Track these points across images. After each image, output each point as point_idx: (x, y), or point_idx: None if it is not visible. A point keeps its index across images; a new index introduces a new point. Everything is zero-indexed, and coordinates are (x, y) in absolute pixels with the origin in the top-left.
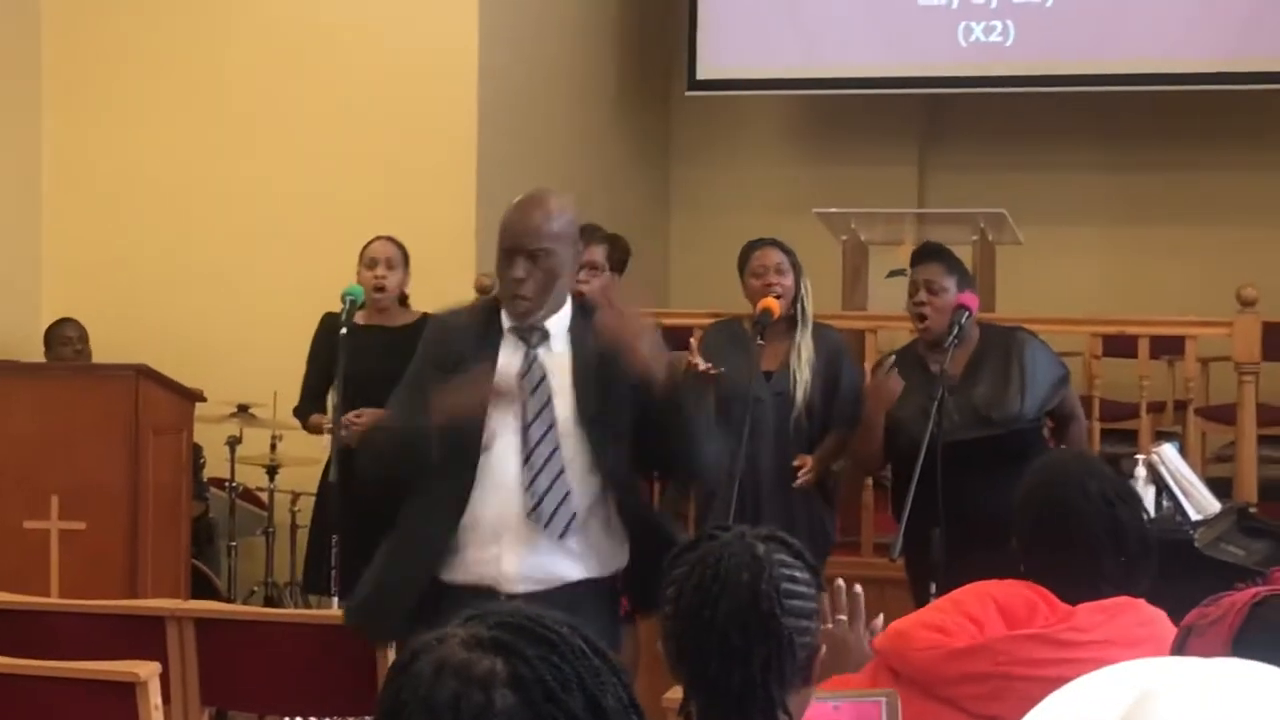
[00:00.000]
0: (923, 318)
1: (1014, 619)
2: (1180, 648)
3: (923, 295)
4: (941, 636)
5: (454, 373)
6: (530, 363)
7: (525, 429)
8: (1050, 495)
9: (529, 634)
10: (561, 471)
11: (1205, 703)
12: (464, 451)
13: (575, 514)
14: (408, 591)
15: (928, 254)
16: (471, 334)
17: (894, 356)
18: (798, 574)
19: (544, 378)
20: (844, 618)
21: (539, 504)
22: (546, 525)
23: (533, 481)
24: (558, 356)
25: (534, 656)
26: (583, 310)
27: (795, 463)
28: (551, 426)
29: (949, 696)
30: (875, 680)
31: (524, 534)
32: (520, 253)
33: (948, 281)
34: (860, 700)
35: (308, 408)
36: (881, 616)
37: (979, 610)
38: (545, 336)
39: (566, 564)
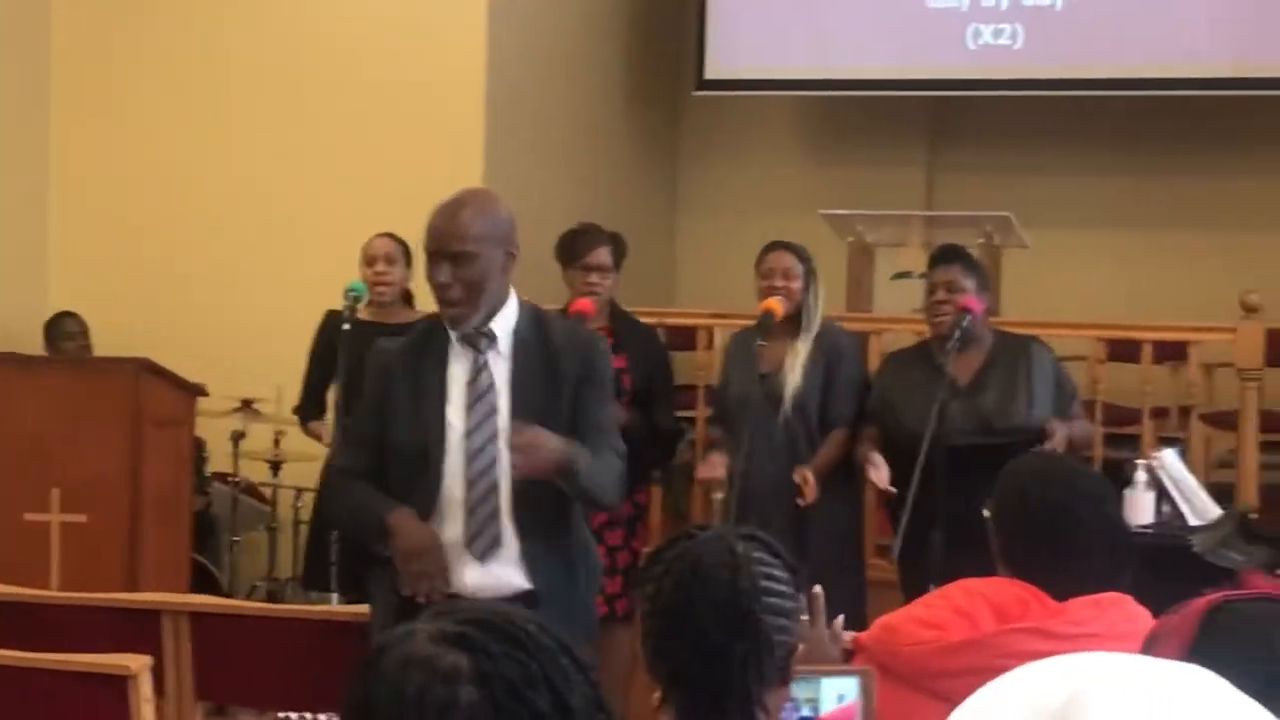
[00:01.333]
0: (943, 316)
1: (1006, 615)
2: (1147, 654)
3: (943, 294)
4: (933, 631)
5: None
6: (478, 370)
7: (467, 437)
8: (1046, 495)
9: (496, 630)
10: (492, 489)
11: (1131, 704)
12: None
13: (497, 536)
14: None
15: (948, 256)
16: (409, 355)
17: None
18: (776, 572)
19: (490, 386)
20: (805, 618)
21: (468, 526)
22: (468, 547)
23: (467, 502)
24: (504, 360)
25: (499, 653)
26: (533, 313)
27: (796, 478)
28: (492, 438)
29: (940, 691)
30: None
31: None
32: (442, 256)
33: (967, 282)
34: (835, 679)
35: (309, 409)
36: (841, 618)
37: (969, 605)
38: (493, 340)
39: (518, 574)
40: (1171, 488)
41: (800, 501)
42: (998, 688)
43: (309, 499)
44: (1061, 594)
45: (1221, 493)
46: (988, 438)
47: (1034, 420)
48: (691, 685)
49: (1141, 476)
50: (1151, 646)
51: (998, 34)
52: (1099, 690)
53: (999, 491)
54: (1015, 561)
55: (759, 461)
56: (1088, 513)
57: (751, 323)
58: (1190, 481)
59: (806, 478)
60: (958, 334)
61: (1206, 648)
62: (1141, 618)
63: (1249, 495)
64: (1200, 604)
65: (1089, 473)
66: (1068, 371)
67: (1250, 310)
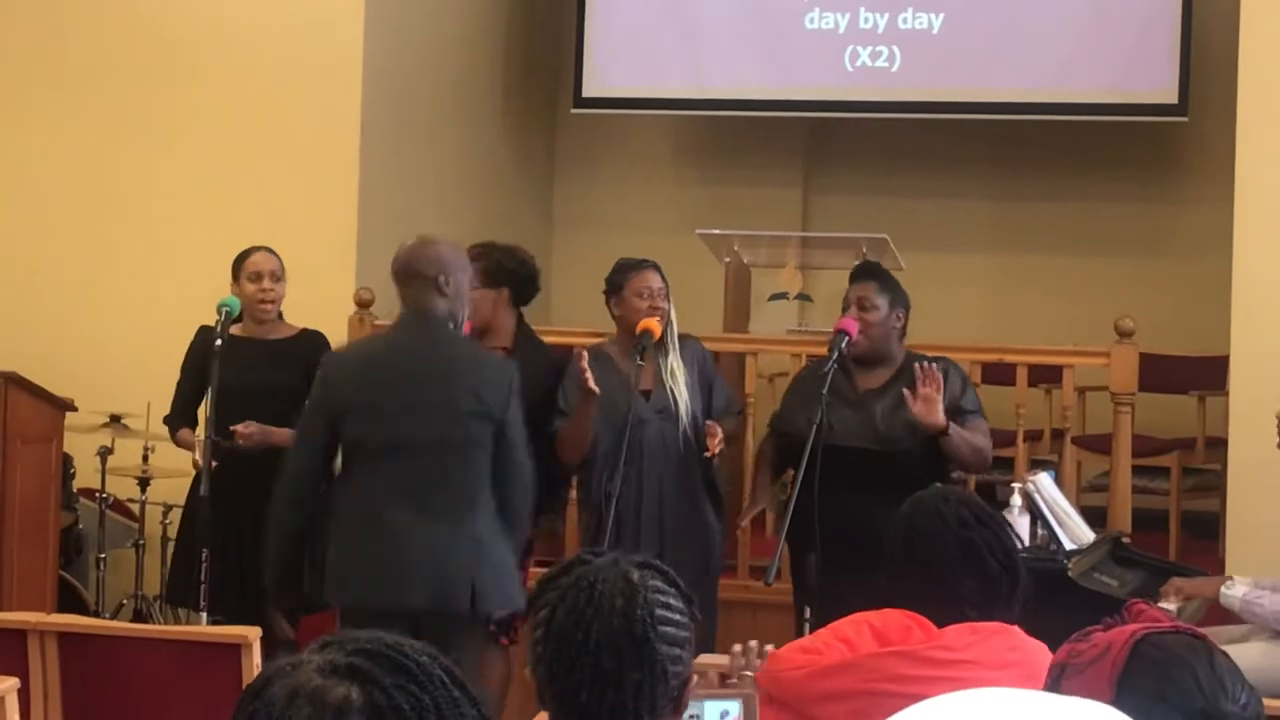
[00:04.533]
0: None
1: (888, 641)
2: (1055, 685)
3: (854, 311)
4: (810, 656)
5: None
6: None
7: None
8: (908, 522)
9: (386, 661)
10: None
11: None
12: None
13: None
14: None
15: (864, 273)
16: None
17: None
18: (672, 602)
19: None
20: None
21: None
22: None
23: None
24: None
25: (390, 684)
26: None
27: (706, 429)
28: None
29: (818, 716)
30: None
31: None
32: None
33: (880, 300)
34: (718, 701)
35: (178, 420)
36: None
37: (853, 633)
38: None
39: None
40: (1046, 511)
41: (707, 453)
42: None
43: (177, 515)
44: (943, 620)
45: (1093, 516)
46: (866, 443)
47: (918, 432)
48: (583, 713)
49: (1016, 500)
50: (1061, 679)
51: (875, 56)
52: None
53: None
54: (896, 587)
55: (653, 475)
56: (949, 537)
57: (594, 341)
58: (1065, 505)
59: (714, 430)
60: (835, 355)
61: (1136, 682)
62: (1024, 648)
63: (1122, 519)
64: (1120, 636)
65: (968, 499)
66: (973, 393)
67: (1124, 335)
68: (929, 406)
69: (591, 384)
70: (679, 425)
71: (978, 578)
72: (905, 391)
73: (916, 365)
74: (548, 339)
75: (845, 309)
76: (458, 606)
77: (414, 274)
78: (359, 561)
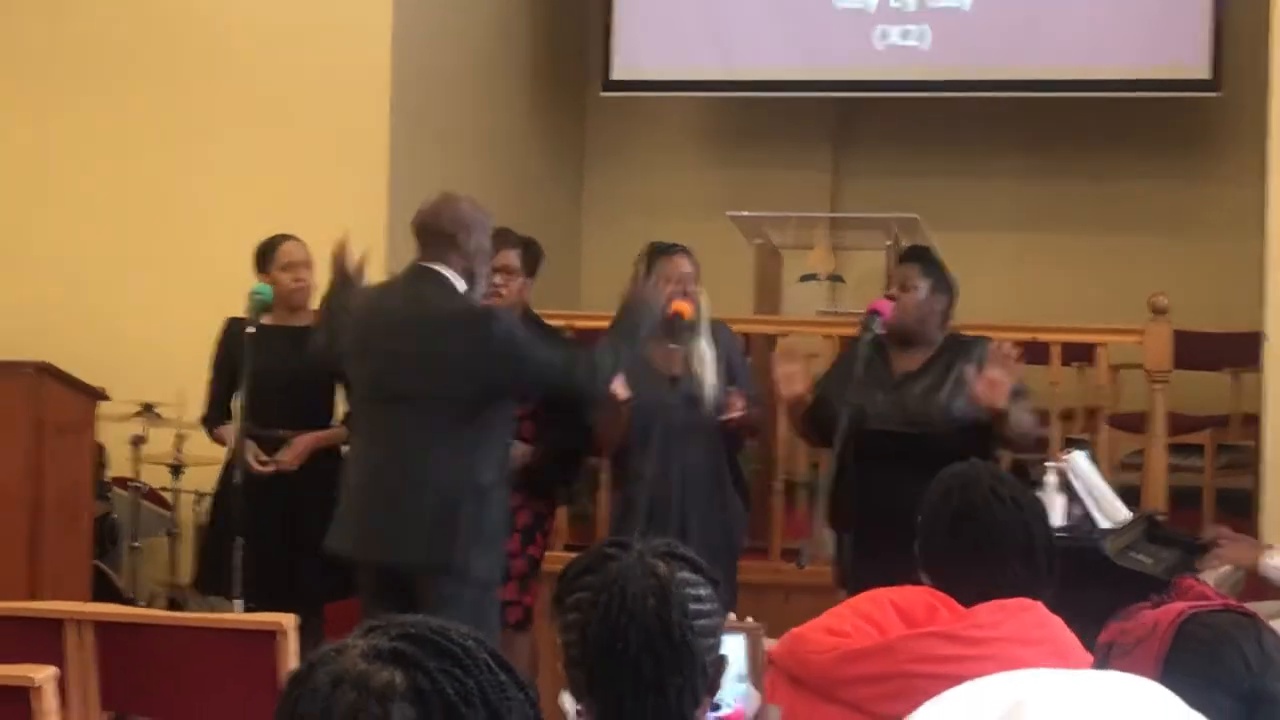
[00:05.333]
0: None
1: (913, 622)
2: (1103, 665)
3: (894, 290)
4: (838, 638)
5: None
6: None
7: None
8: (966, 500)
9: (431, 646)
10: None
11: (1071, 713)
12: None
13: None
14: None
15: (910, 255)
16: None
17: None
18: (701, 591)
19: None
20: None
21: None
22: None
23: None
24: None
25: (435, 669)
26: None
27: (728, 399)
28: None
29: (848, 699)
30: (773, 688)
31: None
32: None
33: (921, 282)
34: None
35: (216, 416)
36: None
37: (877, 613)
38: None
39: None
40: (1081, 490)
41: (724, 417)
42: (939, 705)
43: (210, 503)
44: (974, 599)
45: (1128, 495)
46: (903, 425)
47: (951, 411)
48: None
49: (1051, 479)
50: (1109, 658)
51: (905, 35)
52: (1038, 697)
53: (926, 493)
54: (932, 563)
55: (679, 462)
56: (1005, 517)
57: None
58: (1100, 484)
59: (735, 402)
60: (868, 335)
61: (1182, 661)
62: (1052, 624)
63: (1157, 497)
64: (1166, 616)
65: (1013, 480)
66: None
67: (1159, 312)
68: (994, 391)
69: (622, 393)
70: (704, 408)
71: (1023, 560)
72: (970, 367)
73: (992, 345)
74: (577, 324)
75: (887, 287)
76: (416, 559)
77: (433, 230)
78: (339, 509)
